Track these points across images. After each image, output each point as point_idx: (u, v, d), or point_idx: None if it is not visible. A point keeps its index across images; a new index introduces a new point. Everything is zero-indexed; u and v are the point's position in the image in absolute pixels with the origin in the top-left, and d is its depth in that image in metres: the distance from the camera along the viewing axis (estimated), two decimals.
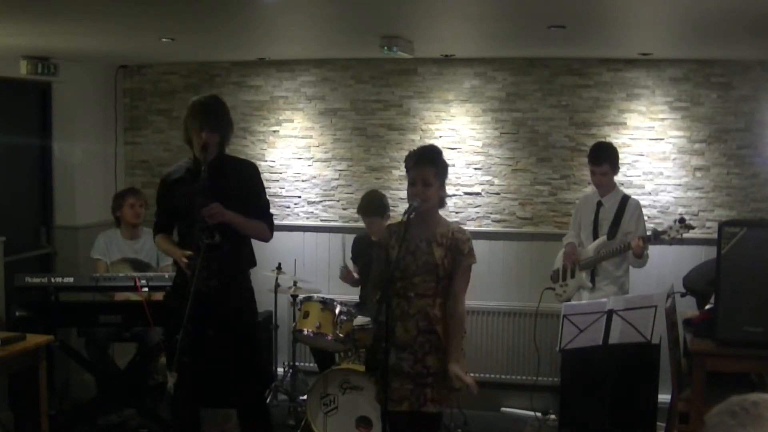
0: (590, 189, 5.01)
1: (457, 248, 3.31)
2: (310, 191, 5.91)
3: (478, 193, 5.64)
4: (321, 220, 5.90)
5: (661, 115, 5.35)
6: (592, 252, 4.65)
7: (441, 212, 3.45)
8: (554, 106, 5.49)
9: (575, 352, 3.91)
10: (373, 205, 4.94)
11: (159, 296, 4.45)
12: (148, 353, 4.84)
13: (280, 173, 5.93)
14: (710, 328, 3.95)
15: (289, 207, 5.92)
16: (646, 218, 4.79)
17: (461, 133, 5.64)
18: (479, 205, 5.65)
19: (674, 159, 5.35)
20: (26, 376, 3.88)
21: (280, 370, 5.62)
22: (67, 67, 5.40)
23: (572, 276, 4.77)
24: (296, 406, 5.12)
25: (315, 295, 4.91)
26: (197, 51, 5.40)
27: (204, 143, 3.57)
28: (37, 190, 5.71)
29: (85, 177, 5.82)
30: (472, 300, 5.31)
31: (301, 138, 5.90)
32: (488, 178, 5.62)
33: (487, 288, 5.55)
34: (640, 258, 4.48)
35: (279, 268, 5.16)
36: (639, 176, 5.38)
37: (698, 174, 5.33)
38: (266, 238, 3.83)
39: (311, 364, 5.53)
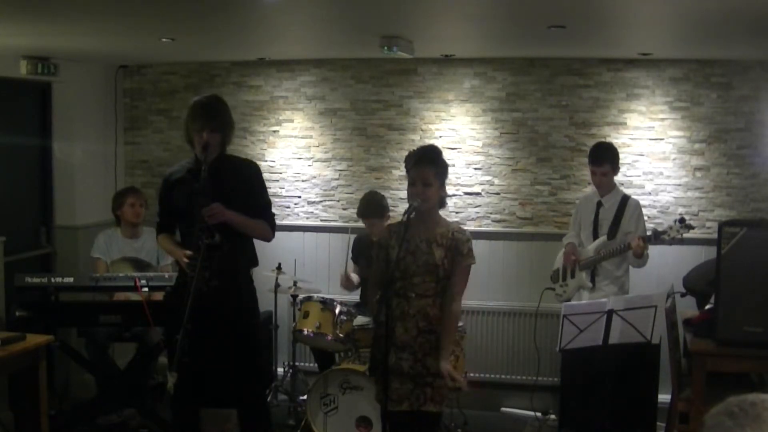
0: (590, 189, 5.01)
1: (457, 248, 3.31)
2: (310, 191, 5.91)
3: (478, 193, 5.64)
4: (321, 220, 5.90)
5: (661, 115, 5.35)
6: (592, 252, 4.65)
7: (441, 212, 3.45)
8: (554, 106, 5.49)
9: (575, 352, 3.91)
10: (372, 206, 4.93)
11: (159, 296, 4.45)
12: (148, 353, 4.84)
13: (280, 173, 5.93)
14: (710, 328, 3.95)
15: (289, 207, 5.92)
16: (646, 218, 4.79)
17: (461, 133, 5.64)
18: (479, 205, 5.65)
19: (674, 159, 5.35)
20: (26, 376, 3.88)
21: (280, 370, 5.62)
22: (67, 67, 5.40)
23: (572, 276, 4.77)
24: (296, 406, 5.12)
25: (315, 295, 4.91)
26: (197, 51, 5.40)
27: (205, 143, 3.57)
28: (37, 190, 5.71)
29: (85, 177, 5.82)
30: (472, 300, 5.35)
31: (301, 138, 5.90)
32: (488, 178, 5.62)
33: (487, 288, 5.55)
34: (640, 258, 4.48)
35: (279, 268, 5.16)
36: (639, 176, 5.38)
37: (698, 174, 5.33)
38: (268, 238, 3.82)
39: (311, 364, 5.53)
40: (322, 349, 5.04)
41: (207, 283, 3.52)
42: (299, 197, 5.93)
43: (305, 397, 4.72)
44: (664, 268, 5.13)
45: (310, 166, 5.90)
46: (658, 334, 3.86)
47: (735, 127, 5.26)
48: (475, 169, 5.63)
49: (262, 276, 4.80)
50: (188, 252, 3.56)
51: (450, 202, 4.13)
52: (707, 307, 4.30)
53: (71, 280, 4.51)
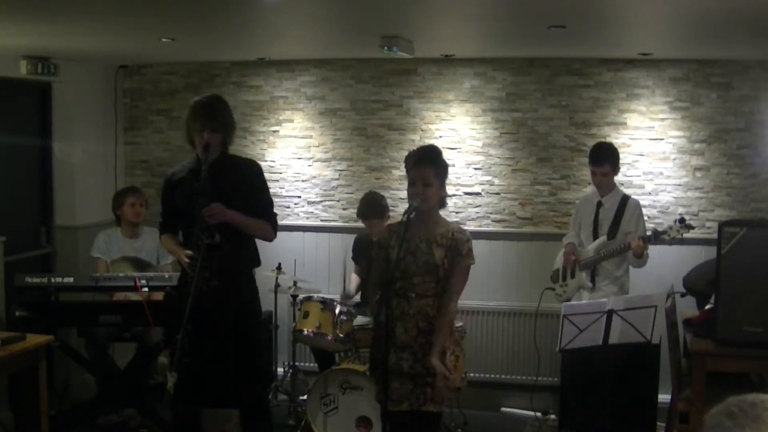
0: (590, 189, 5.01)
1: (457, 248, 3.31)
2: (310, 191, 5.91)
3: (478, 193, 5.64)
4: (321, 220, 5.90)
5: (661, 115, 5.35)
6: (592, 252, 4.65)
7: (441, 212, 3.45)
8: (554, 106, 5.49)
9: (575, 352, 3.91)
10: (372, 207, 4.93)
11: (159, 296, 4.45)
12: (148, 353, 4.84)
13: (280, 173, 5.93)
14: (710, 328, 3.95)
15: (289, 207, 5.92)
16: (646, 218, 4.78)
17: (461, 133, 5.64)
18: (479, 205, 5.65)
19: (674, 159, 5.35)
20: (26, 376, 3.89)
21: (280, 370, 5.62)
22: (67, 67, 5.40)
23: (572, 276, 4.77)
24: (296, 406, 5.12)
25: (315, 295, 4.91)
26: (197, 51, 5.40)
27: (206, 143, 3.57)
28: (37, 190, 5.71)
29: (85, 177, 5.82)
30: (472, 300, 5.35)
31: (301, 138, 5.90)
32: (488, 178, 5.62)
33: (487, 288, 5.55)
34: (640, 258, 4.48)
35: (279, 268, 5.16)
36: (639, 176, 5.38)
37: (698, 174, 5.33)
38: (270, 238, 3.81)
39: (311, 364, 5.54)
40: (322, 349, 5.04)
41: (207, 283, 3.52)
42: (299, 197, 5.93)
43: (305, 397, 4.72)
44: (664, 268, 5.13)
45: (310, 166, 5.90)
46: (658, 334, 3.86)
47: (735, 127, 5.26)
48: (475, 169, 5.63)
49: (262, 276, 4.79)
50: (189, 252, 3.56)
51: (450, 202, 4.13)
52: (707, 307, 4.30)
53: (71, 280, 4.51)
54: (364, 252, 5.08)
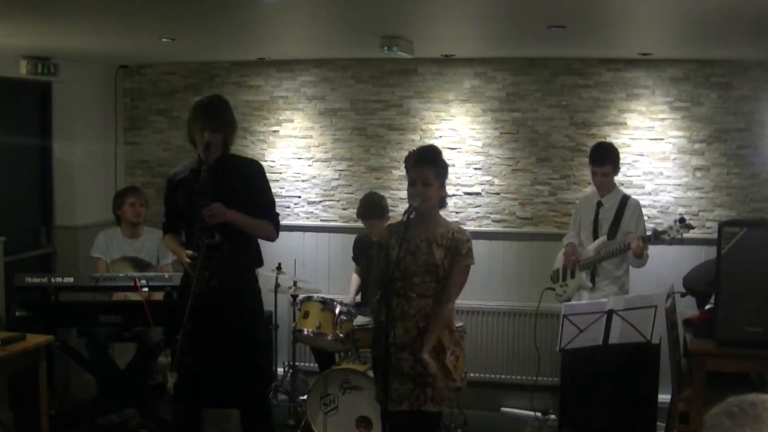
0: (590, 189, 5.01)
1: (456, 248, 3.31)
2: (310, 191, 5.91)
3: (478, 193, 5.64)
4: (321, 220, 5.90)
5: (661, 115, 5.35)
6: (592, 252, 4.65)
7: (441, 212, 3.45)
8: (554, 106, 5.49)
9: (575, 352, 3.91)
10: (372, 207, 4.94)
11: (159, 296, 4.45)
12: (148, 353, 4.84)
13: (280, 173, 5.93)
14: (710, 328, 3.95)
15: (289, 207, 5.92)
16: (646, 218, 4.78)
17: (461, 133, 5.64)
18: (479, 205, 5.65)
19: (674, 159, 5.35)
20: (26, 376, 3.89)
21: (280, 370, 5.62)
22: (67, 67, 5.40)
23: (572, 276, 4.77)
24: (296, 406, 5.12)
25: (315, 295, 4.91)
26: (197, 51, 5.40)
27: (206, 143, 3.57)
28: (37, 190, 5.71)
29: (85, 177, 5.82)
30: (472, 300, 5.35)
31: (301, 138, 5.90)
32: (488, 178, 5.62)
33: (487, 288, 5.55)
34: (640, 258, 4.48)
35: (279, 268, 5.16)
36: (639, 176, 5.38)
37: (698, 174, 5.33)
38: (271, 238, 3.80)
39: (311, 364, 5.54)
40: (322, 349, 5.04)
41: (207, 283, 3.52)
42: (299, 197, 5.93)
43: (305, 397, 4.72)
44: (664, 268, 5.13)
45: (310, 166, 5.90)
46: (658, 334, 3.86)
47: (735, 127, 5.26)
48: (475, 169, 5.63)
49: (263, 276, 4.76)
50: (190, 252, 3.55)
51: (450, 202, 4.12)
52: (707, 307, 4.30)
53: (71, 280, 4.52)
54: (364, 252, 5.08)
